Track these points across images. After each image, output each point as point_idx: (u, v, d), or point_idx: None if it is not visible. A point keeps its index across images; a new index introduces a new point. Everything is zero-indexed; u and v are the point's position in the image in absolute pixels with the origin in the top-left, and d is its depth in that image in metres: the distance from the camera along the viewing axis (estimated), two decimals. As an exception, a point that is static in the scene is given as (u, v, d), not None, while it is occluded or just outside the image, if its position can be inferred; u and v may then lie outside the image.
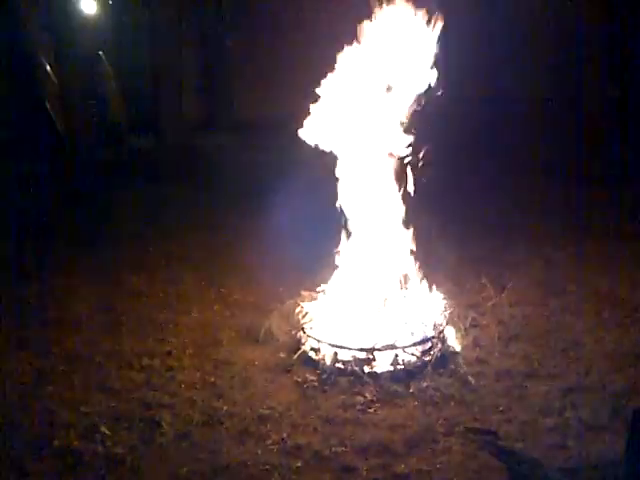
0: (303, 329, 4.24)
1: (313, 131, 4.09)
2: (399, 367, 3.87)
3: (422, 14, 4.00)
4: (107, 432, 3.33)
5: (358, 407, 3.56)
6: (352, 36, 4.06)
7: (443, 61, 4.06)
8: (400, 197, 4.27)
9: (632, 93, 10.20)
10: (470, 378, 3.80)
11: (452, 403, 3.59)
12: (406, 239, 4.35)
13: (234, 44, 11.87)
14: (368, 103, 4.09)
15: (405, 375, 3.83)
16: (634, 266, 5.44)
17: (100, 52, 11.16)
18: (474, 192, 7.76)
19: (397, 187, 4.25)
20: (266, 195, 6.77)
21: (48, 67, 10.68)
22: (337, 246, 4.40)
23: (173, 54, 10.17)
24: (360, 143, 4.15)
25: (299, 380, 3.84)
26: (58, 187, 8.07)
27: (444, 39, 3.99)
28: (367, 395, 3.66)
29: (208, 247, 6.21)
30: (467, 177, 8.27)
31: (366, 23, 4.07)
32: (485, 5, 10.43)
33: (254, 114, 12.53)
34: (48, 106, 10.11)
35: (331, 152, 4.16)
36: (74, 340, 4.35)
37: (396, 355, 3.91)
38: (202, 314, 4.79)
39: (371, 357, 3.91)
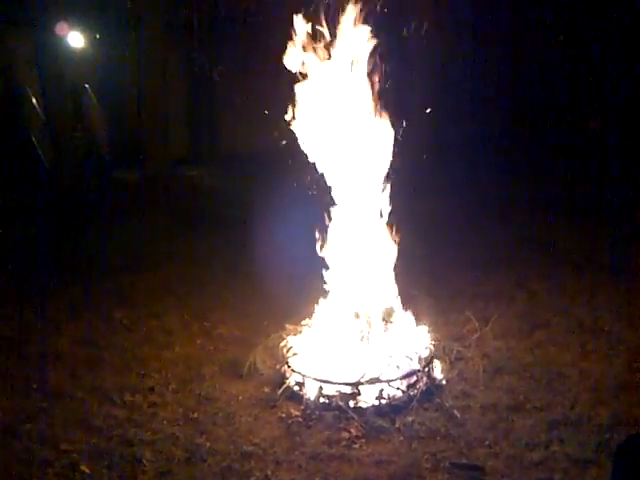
0: (288, 363, 4.21)
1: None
2: (384, 401, 3.85)
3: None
4: (87, 470, 3.27)
5: (343, 443, 3.53)
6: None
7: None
8: (383, 228, 4.30)
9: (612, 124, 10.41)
10: (456, 412, 3.78)
11: (438, 438, 3.56)
12: (390, 272, 4.37)
13: (221, 77, 11.99)
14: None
15: (390, 409, 3.80)
16: (617, 298, 5.48)
17: (86, 85, 11.22)
18: (455, 224, 7.81)
19: (380, 216, 4.28)
20: (251, 228, 6.77)
21: (34, 100, 10.73)
22: (322, 280, 4.40)
23: (159, 87, 10.22)
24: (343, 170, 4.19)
25: (283, 415, 3.81)
26: (42, 219, 8.04)
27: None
28: (352, 430, 3.62)
29: (192, 280, 6.17)
30: (448, 209, 8.34)
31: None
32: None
33: (239, 146, 12.62)
34: (34, 139, 10.14)
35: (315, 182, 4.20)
36: (55, 375, 4.29)
37: (381, 389, 3.89)
38: (185, 348, 4.74)
39: (356, 391, 3.88)
